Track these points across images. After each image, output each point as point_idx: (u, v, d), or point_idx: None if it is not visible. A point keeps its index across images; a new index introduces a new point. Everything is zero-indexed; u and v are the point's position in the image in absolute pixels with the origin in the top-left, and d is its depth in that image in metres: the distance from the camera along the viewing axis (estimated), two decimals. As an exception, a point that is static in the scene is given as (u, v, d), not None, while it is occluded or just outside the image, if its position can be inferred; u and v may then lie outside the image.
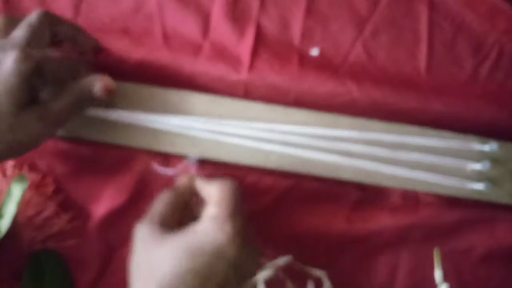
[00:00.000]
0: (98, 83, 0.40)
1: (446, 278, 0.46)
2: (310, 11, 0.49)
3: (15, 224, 0.43)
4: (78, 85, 0.40)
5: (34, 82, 0.37)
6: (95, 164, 0.46)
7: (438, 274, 0.46)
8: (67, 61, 0.40)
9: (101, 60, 0.47)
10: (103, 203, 0.46)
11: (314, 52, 0.48)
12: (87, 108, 0.43)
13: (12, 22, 0.40)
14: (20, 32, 0.39)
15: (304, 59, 0.48)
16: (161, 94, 0.45)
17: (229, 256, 0.32)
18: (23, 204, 0.43)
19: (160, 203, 0.38)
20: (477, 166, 0.44)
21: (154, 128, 0.45)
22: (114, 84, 0.41)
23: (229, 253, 0.32)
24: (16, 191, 0.42)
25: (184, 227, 0.35)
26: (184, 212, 0.39)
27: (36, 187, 0.44)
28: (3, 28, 0.40)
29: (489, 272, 0.46)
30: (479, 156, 0.44)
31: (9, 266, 0.43)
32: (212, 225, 0.33)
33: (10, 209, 0.42)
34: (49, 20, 0.41)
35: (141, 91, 0.45)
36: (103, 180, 0.46)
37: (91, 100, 0.41)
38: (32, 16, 0.40)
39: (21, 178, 0.42)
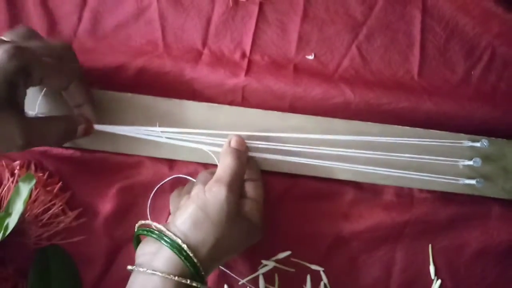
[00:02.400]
0: (82, 127, 0.42)
1: (440, 274, 0.47)
2: (307, 15, 0.50)
3: (22, 221, 0.44)
4: (66, 119, 0.42)
5: (17, 81, 0.36)
6: (101, 165, 0.47)
7: (432, 270, 0.47)
8: (57, 66, 0.39)
9: (102, 68, 0.48)
10: (110, 201, 0.47)
11: (310, 56, 0.50)
12: (65, 142, 0.43)
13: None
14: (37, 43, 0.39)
15: (300, 63, 0.49)
16: (161, 103, 0.46)
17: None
18: (30, 202, 0.45)
19: (235, 172, 0.39)
20: (469, 163, 0.44)
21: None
22: (94, 128, 0.43)
23: None
24: (24, 189, 0.43)
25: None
26: None
27: (43, 185, 0.45)
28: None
29: (483, 268, 0.47)
30: (471, 153, 0.45)
31: (16, 262, 0.44)
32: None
33: (18, 207, 0.43)
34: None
35: (141, 101, 0.46)
36: (109, 180, 0.47)
37: (72, 137, 0.42)
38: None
39: (28, 176, 0.42)
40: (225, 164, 0.40)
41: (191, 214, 0.37)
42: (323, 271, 0.47)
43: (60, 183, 0.46)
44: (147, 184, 0.48)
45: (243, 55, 0.49)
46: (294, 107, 0.48)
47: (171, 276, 0.34)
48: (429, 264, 0.47)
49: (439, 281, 0.46)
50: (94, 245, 0.46)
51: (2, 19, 0.50)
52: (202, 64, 0.48)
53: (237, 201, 0.38)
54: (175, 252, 0.35)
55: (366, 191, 0.48)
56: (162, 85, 0.48)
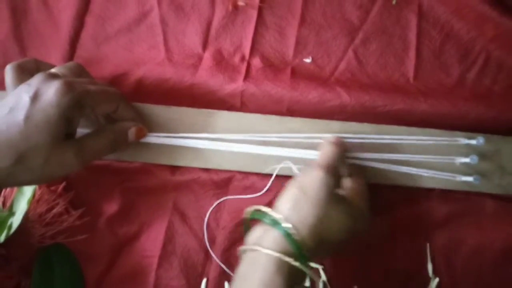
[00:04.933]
0: (133, 129, 0.44)
1: (438, 271, 0.47)
2: (304, 20, 0.51)
3: (26, 220, 0.45)
4: (114, 128, 0.43)
5: (73, 115, 0.38)
6: (105, 166, 0.48)
7: (430, 268, 0.47)
8: (105, 94, 0.41)
9: (104, 78, 0.49)
10: (113, 200, 0.48)
11: (308, 59, 0.51)
12: (119, 150, 0.44)
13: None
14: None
15: (298, 66, 0.50)
16: (162, 111, 0.47)
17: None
18: (34, 201, 0.45)
19: (331, 158, 0.40)
20: (465, 160, 0.45)
21: (158, 144, 0.47)
22: (146, 130, 0.45)
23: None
24: (28, 188, 0.44)
25: None
26: None
27: (47, 184, 0.46)
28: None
29: (480, 266, 0.47)
30: (467, 151, 0.46)
31: (20, 261, 0.45)
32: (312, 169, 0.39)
33: (22, 206, 0.44)
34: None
35: (142, 109, 0.47)
36: (113, 180, 0.48)
37: (125, 143, 0.43)
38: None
39: (32, 176, 0.43)
40: (322, 152, 0.41)
41: (290, 195, 0.38)
42: (323, 268, 0.47)
43: (64, 183, 0.47)
44: (150, 184, 0.48)
45: (243, 58, 0.50)
46: (291, 111, 0.49)
47: (274, 252, 0.35)
48: (426, 262, 0.47)
49: (437, 279, 0.47)
50: (97, 244, 0.47)
51: (6, 26, 0.52)
52: (202, 70, 0.49)
53: (335, 183, 0.39)
54: (277, 230, 0.36)
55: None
56: (162, 92, 0.49)
